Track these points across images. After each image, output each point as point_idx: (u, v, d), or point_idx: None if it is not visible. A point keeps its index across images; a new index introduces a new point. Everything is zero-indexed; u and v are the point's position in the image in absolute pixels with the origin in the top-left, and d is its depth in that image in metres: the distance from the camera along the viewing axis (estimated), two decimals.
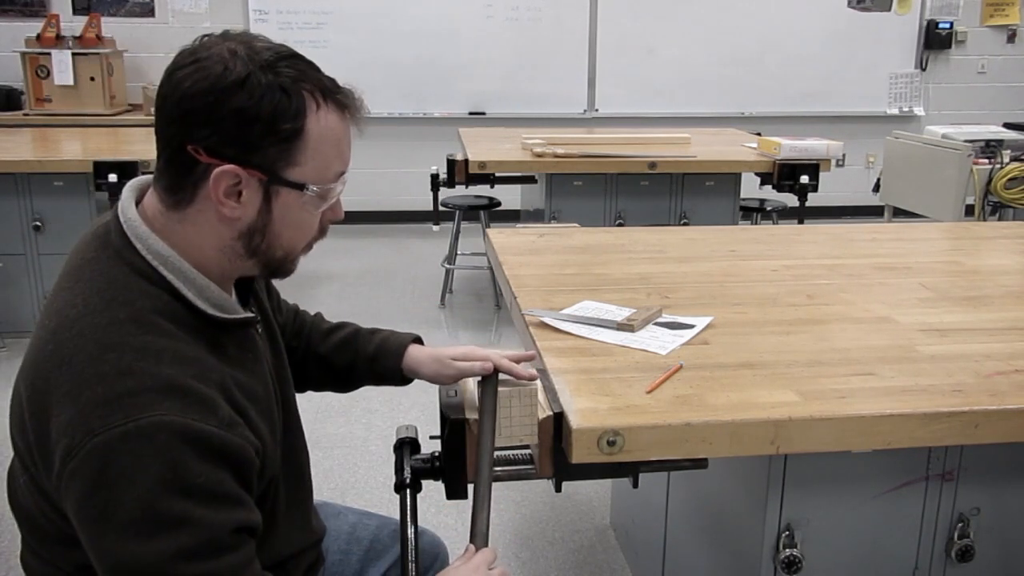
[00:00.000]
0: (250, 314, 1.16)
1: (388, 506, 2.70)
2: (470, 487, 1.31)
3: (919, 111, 6.85)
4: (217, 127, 1.02)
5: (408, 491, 1.36)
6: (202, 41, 1.06)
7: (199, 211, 1.06)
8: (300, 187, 1.07)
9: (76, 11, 5.97)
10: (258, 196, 1.06)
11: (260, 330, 1.24)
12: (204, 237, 1.08)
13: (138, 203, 1.11)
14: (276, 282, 1.45)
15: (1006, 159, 4.20)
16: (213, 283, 1.09)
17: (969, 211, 4.32)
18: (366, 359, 1.47)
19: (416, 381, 1.49)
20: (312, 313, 1.56)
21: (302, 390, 1.49)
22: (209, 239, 1.08)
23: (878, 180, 4.89)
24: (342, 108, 1.10)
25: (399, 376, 1.47)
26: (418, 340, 1.50)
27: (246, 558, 1.02)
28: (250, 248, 1.10)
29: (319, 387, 1.52)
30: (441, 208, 4.63)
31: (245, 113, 1.02)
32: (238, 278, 1.19)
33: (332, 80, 1.11)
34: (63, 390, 0.98)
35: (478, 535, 1.19)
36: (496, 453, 1.37)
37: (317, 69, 1.10)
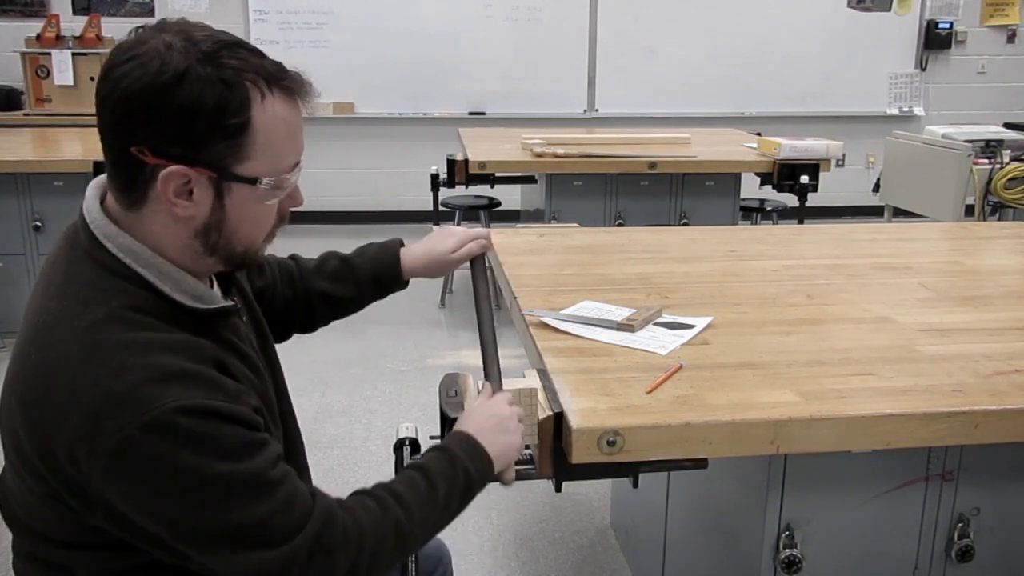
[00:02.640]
0: (230, 303, 1.14)
1: None
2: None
3: (919, 111, 6.85)
4: (159, 127, 0.98)
5: None
6: (138, 34, 1.02)
7: (154, 211, 1.04)
8: (252, 181, 1.04)
9: (76, 11, 5.97)
10: (209, 194, 1.03)
11: (244, 319, 1.23)
12: (163, 236, 1.05)
13: (103, 200, 1.09)
14: None
15: (1006, 159, 4.19)
16: (187, 274, 1.07)
17: (969, 211, 4.32)
18: (368, 281, 1.53)
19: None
20: (287, 256, 1.56)
21: (313, 329, 1.55)
22: (168, 239, 1.06)
23: (878, 180, 4.89)
24: (290, 94, 1.05)
25: (402, 286, 1.57)
26: (402, 243, 1.57)
27: (293, 479, 1.04)
28: (208, 246, 1.07)
29: (327, 321, 1.55)
30: (441, 208, 4.63)
31: (187, 110, 0.98)
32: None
33: (277, 65, 1.05)
34: (57, 399, 0.96)
35: (492, 380, 1.32)
36: None
37: (261, 55, 1.04)
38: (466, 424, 1.24)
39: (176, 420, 0.94)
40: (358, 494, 1.13)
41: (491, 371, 1.34)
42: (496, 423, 1.24)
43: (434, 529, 1.17)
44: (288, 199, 1.12)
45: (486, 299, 1.48)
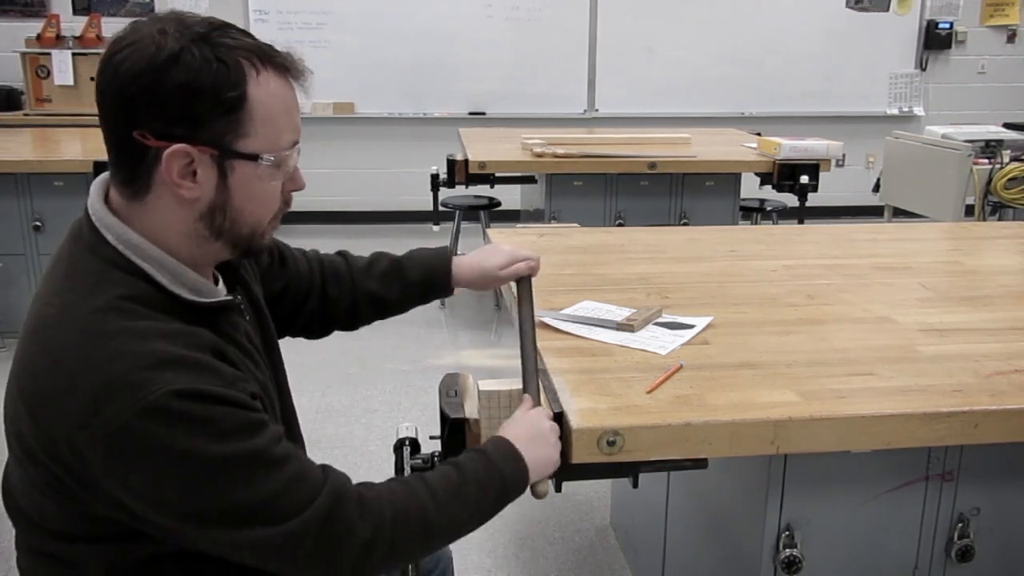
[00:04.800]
0: (228, 298, 1.15)
1: None
2: None
3: (919, 111, 6.85)
4: (160, 108, 1.00)
5: None
6: (132, 26, 1.04)
7: (158, 197, 1.05)
8: (254, 158, 1.06)
9: (76, 11, 5.97)
10: (213, 173, 1.05)
11: (247, 317, 1.23)
12: (168, 224, 1.07)
13: (107, 197, 1.10)
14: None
15: (1006, 159, 4.19)
16: (188, 268, 1.09)
17: (969, 211, 4.31)
18: (417, 285, 1.56)
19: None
20: (336, 253, 1.57)
21: (355, 327, 1.57)
22: (173, 225, 1.07)
23: (878, 180, 4.89)
24: (283, 72, 1.08)
25: (448, 293, 1.59)
26: (453, 253, 1.60)
27: (300, 455, 1.05)
28: (214, 228, 1.08)
29: (370, 320, 1.57)
30: (441, 208, 4.63)
31: (185, 88, 1.00)
32: (220, 264, 1.18)
33: (269, 45, 1.09)
34: (57, 387, 0.98)
35: (532, 395, 1.31)
36: None
37: (252, 36, 1.08)
38: (506, 431, 1.24)
39: (172, 404, 0.95)
40: (388, 480, 1.14)
41: (530, 387, 1.33)
42: (536, 433, 1.24)
43: (464, 525, 1.16)
44: (290, 182, 1.14)
45: (529, 319, 1.48)
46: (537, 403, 1.30)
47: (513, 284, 1.63)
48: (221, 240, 1.10)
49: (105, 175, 1.12)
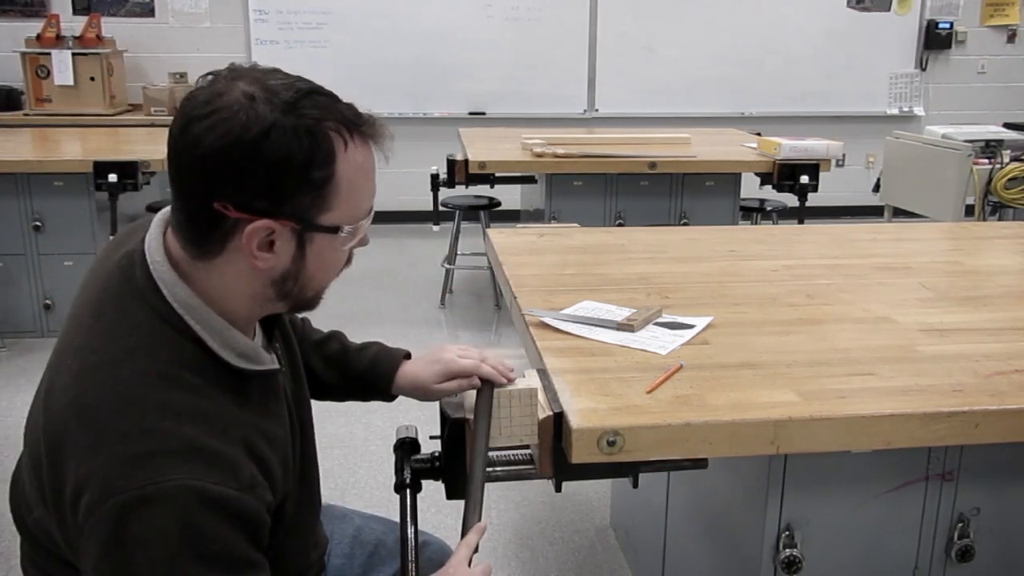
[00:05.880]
0: (275, 366, 1.13)
1: (388, 506, 2.70)
2: None
3: (919, 111, 6.85)
4: (246, 182, 0.97)
5: (408, 491, 1.36)
6: (212, 85, 0.99)
7: (228, 262, 1.02)
8: (334, 230, 1.04)
9: (76, 11, 5.97)
10: (291, 245, 1.03)
11: (282, 366, 1.20)
12: (233, 287, 1.04)
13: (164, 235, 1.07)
14: None
15: (1006, 159, 4.20)
16: (238, 332, 1.06)
17: (969, 211, 4.32)
18: (355, 378, 1.45)
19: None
20: (300, 317, 1.52)
21: None
22: (239, 288, 1.05)
23: (878, 180, 4.89)
24: (367, 139, 1.06)
25: (388, 399, 1.47)
26: (408, 356, 1.47)
27: None
28: (282, 293, 1.07)
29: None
30: (441, 208, 4.63)
31: (275, 165, 0.97)
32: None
33: (352, 109, 1.05)
34: (83, 443, 0.95)
35: (468, 535, 1.17)
36: (496, 453, 1.37)
37: (337, 99, 1.04)
38: None
39: (178, 499, 0.92)
40: None
41: (470, 520, 1.18)
42: None
43: None
44: (357, 241, 1.11)
45: (483, 439, 1.28)
46: (474, 547, 1.16)
47: (509, 282, 1.62)
48: (285, 301, 1.09)
49: (166, 212, 1.08)
